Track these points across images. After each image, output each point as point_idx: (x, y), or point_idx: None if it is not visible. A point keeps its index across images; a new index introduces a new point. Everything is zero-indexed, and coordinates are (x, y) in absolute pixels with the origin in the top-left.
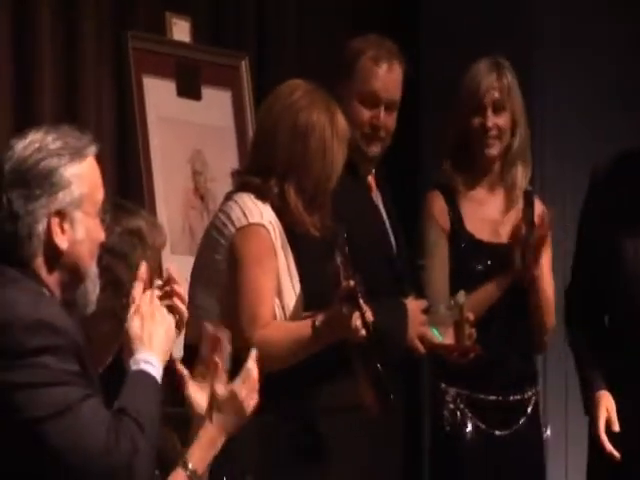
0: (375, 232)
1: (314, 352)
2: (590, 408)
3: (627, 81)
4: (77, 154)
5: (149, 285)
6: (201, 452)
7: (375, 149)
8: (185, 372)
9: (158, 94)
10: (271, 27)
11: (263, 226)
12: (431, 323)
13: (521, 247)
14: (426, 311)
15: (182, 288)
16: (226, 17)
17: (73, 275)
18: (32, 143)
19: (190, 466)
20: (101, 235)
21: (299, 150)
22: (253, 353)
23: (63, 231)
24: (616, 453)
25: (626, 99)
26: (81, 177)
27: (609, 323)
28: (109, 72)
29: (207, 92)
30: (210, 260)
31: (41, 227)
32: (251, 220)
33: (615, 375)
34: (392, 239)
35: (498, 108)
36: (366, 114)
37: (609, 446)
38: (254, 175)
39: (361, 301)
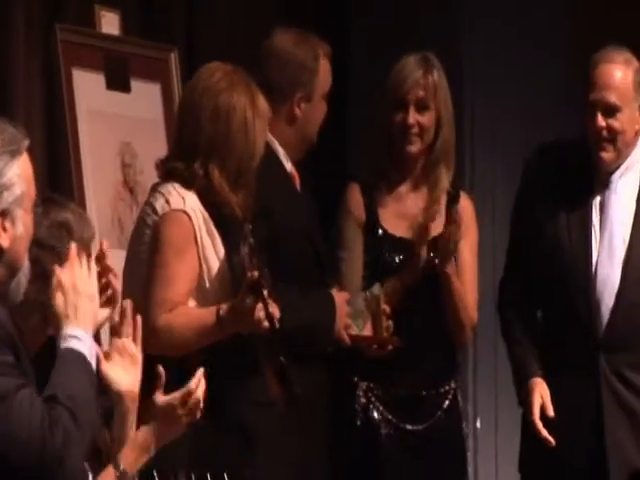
0: (301, 220)
1: (217, 340)
2: (524, 395)
3: (560, 76)
4: (16, 152)
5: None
6: (134, 456)
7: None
8: (98, 351)
9: (87, 87)
10: (201, 20)
11: (185, 212)
12: (351, 316)
13: (437, 243)
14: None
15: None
16: (155, 10)
17: (10, 270)
18: None
19: (121, 467)
20: (33, 229)
21: (221, 131)
22: (199, 372)
23: (5, 229)
24: (551, 438)
25: (558, 93)
26: (21, 175)
27: (542, 313)
28: (38, 65)
29: (136, 85)
30: (137, 253)
31: None
32: (173, 207)
33: (548, 364)
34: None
35: (422, 106)
36: (325, 109)
37: (544, 431)
38: (178, 160)
39: (265, 293)
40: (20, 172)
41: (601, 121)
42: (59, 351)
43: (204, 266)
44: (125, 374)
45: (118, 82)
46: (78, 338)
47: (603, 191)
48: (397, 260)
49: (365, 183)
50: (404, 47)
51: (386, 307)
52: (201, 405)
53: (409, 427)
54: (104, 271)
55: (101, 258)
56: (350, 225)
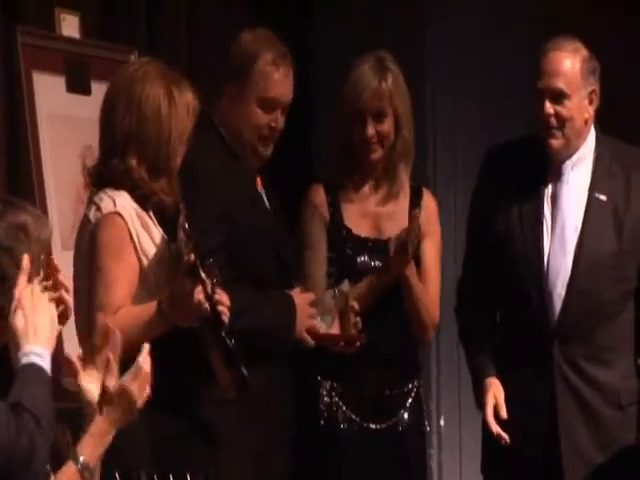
0: (263, 222)
1: (162, 330)
2: (480, 395)
3: (523, 71)
4: None
5: (33, 277)
6: (92, 445)
7: (269, 150)
8: (77, 364)
9: (48, 90)
10: (161, 21)
11: (117, 213)
12: (319, 313)
13: (399, 242)
14: (311, 302)
15: (66, 279)
16: (115, 12)
17: None
18: None
19: (81, 459)
20: None
21: (134, 122)
22: (145, 347)
23: None
24: (505, 436)
25: (520, 87)
26: None
27: (498, 306)
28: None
29: (97, 87)
30: (79, 265)
31: None
32: (105, 211)
33: (505, 357)
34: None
35: (379, 115)
36: (264, 118)
37: (496, 428)
38: (102, 161)
39: (203, 274)
40: None
41: (549, 108)
42: (19, 366)
43: (144, 260)
44: (98, 385)
45: (78, 84)
46: (38, 354)
47: (555, 182)
48: (360, 260)
49: (328, 184)
50: (369, 43)
51: (354, 304)
52: (150, 381)
53: (372, 426)
54: (56, 286)
55: (53, 274)
56: (314, 225)
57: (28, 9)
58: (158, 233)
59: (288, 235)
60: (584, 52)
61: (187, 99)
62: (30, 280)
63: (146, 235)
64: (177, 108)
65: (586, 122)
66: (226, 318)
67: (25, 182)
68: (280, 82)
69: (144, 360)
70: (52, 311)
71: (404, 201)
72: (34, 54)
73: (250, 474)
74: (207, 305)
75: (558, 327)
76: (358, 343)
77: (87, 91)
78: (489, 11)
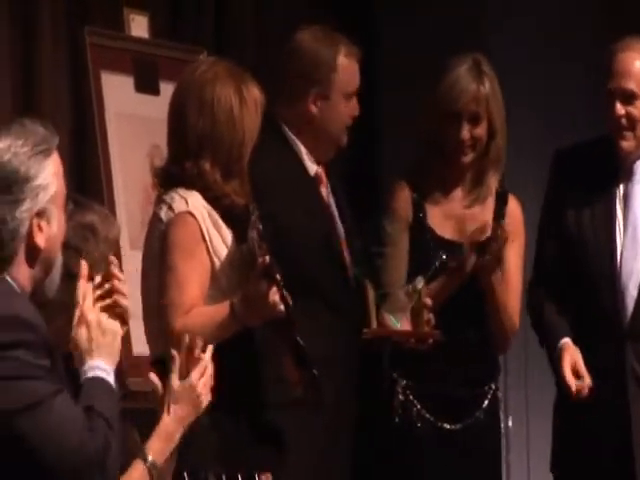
0: (321, 225)
1: (235, 331)
2: (555, 360)
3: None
4: (48, 151)
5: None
6: (159, 444)
7: (345, 140)
8: (158, 384)
9: (116, 90)
10: (229, 21)
11: (189, 213)
12: (389, 310)
13: (485, 249)
14: (384, 297)
15: (123, 283)
16: (184, 12)
17: (45, 268)
18: (7, 149)
19: (149, 458)
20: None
21: (207, 125)
22: (209, 349)
23: (41, 229)
24: (584, 389)
25: (587, 91)
26: (55, 174)
27: (569, 308)
28: (67, 68)
29: (165, 87)
30: (149, 264)
31: (24, 229)
32: (177, 210)
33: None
34: (340, 227)
35: (475, 119)
36: (349, 109)
37: (574, 384)
38: (172, 164)
39: (278, 276)
40: (53, 170)
41: (620, 109)
42: (84, 378)
43: (216, 260)
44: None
45: (147, 84)
46: (103, 370)
47: (627, 183)
48: (440, 262)
49: (413, 182)
50: (434, 48)
51: (428, 300)
52: (213, 381)
53: (447, 426)
54: (113, 291)
55: (111, 278)
56: (395, 222)
57: (96, 9)
58: (228, 234)
59: (354, 234)
60: None
61: (255, 96)
62: (90, 281)
63: (217, 235)
64: (248, 107)
65: None
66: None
67: (93, 181)
68: (357, 72)
69: (208, 360)
70: (115, 325)
71: (489, 205)
72: (102, 54)
73: (314, 474)
74: (282, 307)
75: (631, 328)
76: (430, 340)
77: (155, 91)
78: (552, 13)
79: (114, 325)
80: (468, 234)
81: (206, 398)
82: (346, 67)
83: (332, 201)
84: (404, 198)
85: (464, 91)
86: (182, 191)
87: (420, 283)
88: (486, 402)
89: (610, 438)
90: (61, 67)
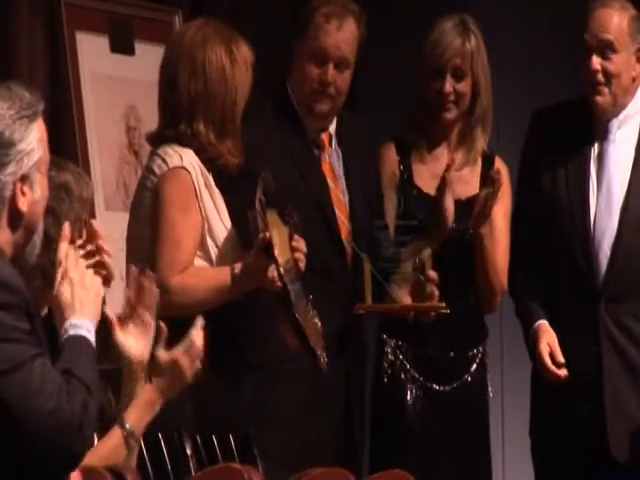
0: (313, 190)
1: (231, 298)
2: (531, 341)
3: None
4: (34, 117)
5: (75, 240)
6: (139, 413)
7: (323, 107)
8: (113, 318)
9: (91, 50)
10: None
11: (183, 168)
12: (398, 282)
13: (474, 204)
14: (392, 269)
15: (106, 242)
16: None
17: (27, 233)
18: None
19: (127, 426)
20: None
21: (200, 86)
22: (199, 322)
23: (24, 194)
24: (562, 373)
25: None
26: (39, 140)
27: (544, 266)
28: (42, 28)
29: (140, 47)
30: (140, 216)
31: (8, 193)
32: (171, 165)
33: (549, 316)
34: (341, 197)
35: (459, 74)
36: (314, 71)
37: (553, 367)
38: (166, 127)
39: (276, 252)
40: (38, 136)
41: (596, 63)
42: (65, 336)
43: (205, 221)
44: (136, 342)
45: (122, 45)
46: (85, 328)
47: (601, 142)
48: (427, 219)
49: (401, 142)
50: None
51: (432, 273)
52: (201, 355)
53: (435, 387)
54: (97, 251)
55: (93, 238)
56: (384, 187)
57: None
58: (218, 195)
59: (360, 201)
60: (632, 11)
61: (245, 54)
62: (72, 243)
63: (208, 195)
64: (239, 66)
65: (633, 80)
66: (302, 265)
67: (68, 142)
68: (331, 34)
69: (197, 334)
70: (98, 283)
71: (477, 166)
72: (77, 14)
73: (291, 435)
74: (279, 283)
75: (604, 286)
76: (433, 313)
77: (131, 51)
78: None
79: (97, 283)
80: (455, 194)
81: (191, 373)
82: (317, 24)
83: (338, 168)
84: (391, 159)
85: (449, 45)
86: (176, 147)
87: (428, 252)
88: (474, 365)
89: (585, 397)
90: (36, 28)
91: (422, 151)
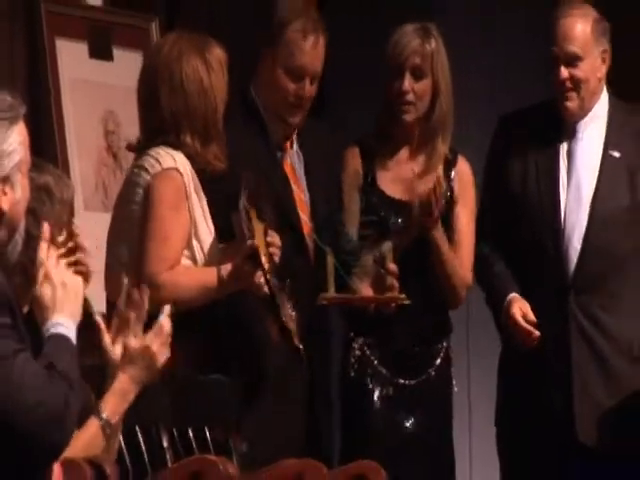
0: (275, 188)
1: (217, 298)
2: (501, 312)
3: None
4: (14, 119)
5: (55, 241)
6: (114, 402)
7: (296, 118)
8: (102, 324)
9: (71, 56)
10: None
11: (176, 169)
12: (358, 274)
13: (429, 205)
14: (353, 262)
15: (85, 242)
16: None
17: (9, 231)
18: None
19: (104, 415)
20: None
21: (180, 101)
22: (166, 309)
23: (5, 193)
24: (536, 332)
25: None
26: (20, 142)
27: (515, 259)
28: (22, 34)
29: (118, 53)
30: (127, 212)
31: None
32: (164, 165)
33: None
34: (301, 195)
35: (418, 74)
36: (291, 86)
37: (526, 325)
38: (150, 139)
39: (263, 259)
40: (19, 139)
41: (564, 72)
42: (47, 335)
43: (192, 223)
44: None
45: (101, 51)
46: (65, 326)
47: (570, 141)
48: (394, 221)
49: (365, 146)
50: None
51: (392, 266)
52: (169, 341)
53: (401, 381)
54: (77, 249)
55: (73, 236)
56: (347, 186)
57: None
58: (204, 199)
59: (321, 202)
60: (594, 15)
61: (219, 57)
62: (52, 243)
63: (196, 198)
64: (215, 72)
65: (600, 80)
66: (277, 258)
67: (48, 145)
68: (307, 51)
69: (165, 320)
70: (78, 283)
71: (438, 170)
72: (57, 21)
73: (264, 429)
74: (266, 289)
75: (574, 279)
76: (394, 304)
77: (109, 57)
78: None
79: (77, 283)
80: (416, 194)
81: (162, 358)
82: (292, 39)
83: (299, 169)
84: (355, 162)
85: (407, 44)
86: (168, 149)
87: (388, 246)
88: (439, 360)
89: (553, 386)
90: (17, 33)
91: (385, 155)
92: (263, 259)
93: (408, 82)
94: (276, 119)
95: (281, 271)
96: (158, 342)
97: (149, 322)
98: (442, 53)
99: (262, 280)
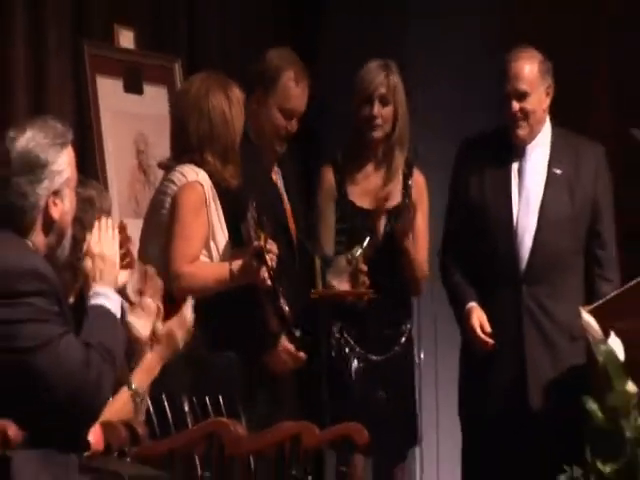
0: (271, 202)
1: (227, 289)
2: (462, 320)
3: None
4: (64, 144)
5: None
6: (142, 375)
7: (284, 147)
8: (125, 304)
9: (108, 90)
10: (200, 36)
11: (198, 182)
12: (333, 273)
13: (397, 219)
14: (329, 263)
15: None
16: (163, 28)
17: (58, 237)
18: (31, 139)
19: (134, 387)
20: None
21: (206, 128)
22: (189, 301)
23: (56, 205)
24: (490, 340)
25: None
26: (68, 163)
27: (476, 259)
28: (70, 72)
29: (148, 88)
30: (157, 217)
31: (42, 203)
32: (189, 179)
33: (481, 298)
34: (288, 206)
35: (384, 101)
36: (283, 122)
37: (483, 335)
38: (175, 158)
39: (267, 257)
40: (68, 160)
41: (515, 106)
42: (89, 306)
43: (210, 228)
44: (143, 324)
45: (133, 86)
46: (104, 295)
47: (520, 161)
48: (364, 228)
49: (337, 164)
50: (365, 57)
51: (363, 266)
52: (192, 326)
53: (374, 357)
54: (124, 241)
55: (122, 230)
56: (324, 200)
57: (93, 26)
58: (220, 210)
59: (300, 209)
60: (539, 57)
61: (238, 96)
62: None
63: (214, 208)
64: (235, 107)
65: (544, 111)
66: (274, 264)
67: (91, 164)
68: (299, 96)
69: (187, 311)
70: (114, 256)
71: (399, 179)
72: (98, 62)
73: (267, 397)
74: (269, 282)
75: (526, 273)
76: (366, 297)
77: (140, 91)
78: (460, 26)
79: (114, 256)
80: (383, 204)
81: (182, 342)
82: (286, 85)
83: (282, 186)
84: (329, 179)
85: (375, 77)
86: (192, 166)
87: (358, 252)
88: (403, 339)
89: (509, 364)
90: (65, 72)
91: (354, 171)
92: (267, 258)
93: (377, 108)
94: (267, 147)
95: (277, 271)
96: (180, 328)
97: (171, 307)
98: (401, 86)
99: (266, 275)
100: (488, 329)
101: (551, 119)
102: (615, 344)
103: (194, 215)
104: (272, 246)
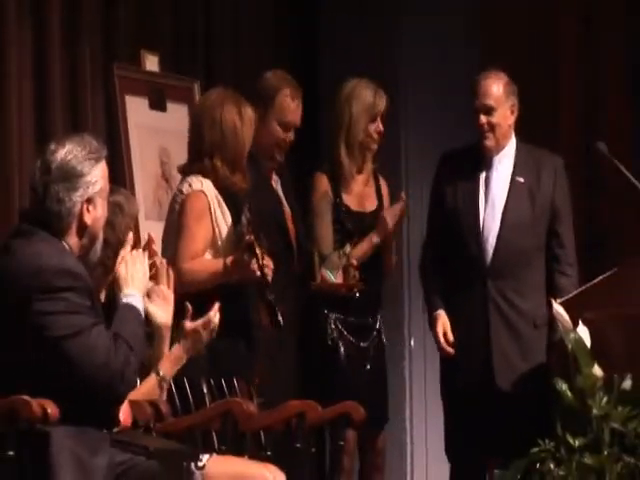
0: (271, 206)
1: (224, 282)
2: (432, 324)
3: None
4: (99, 158)
5: (134, 245)
6: (169, 364)
7: (282, 157)
8: (145, 297)
9: (136, 107)
10: (216, 61)
11: (202, 192)
12: (327, 268)
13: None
14: (323, 259)
15: (158, 248)
16: (183, 54)
17: (91, 240)
18: (70, 152)
19: (161, 373)
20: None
21: (218, 137)
22: (216, 305)
23: (89, 211)
24: (450, 350)
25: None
26: (102, 176)
27: (448, 256)
28: (101, 93)
29: (170, 106)
30: (170, 221)
31: (77, 209)
32: (195, 188)
33: (452, 291)
34: (287, 209)
35: (382, 119)
36: (282, 134)
37: (446, 346)
38: (193, 161)
39: (258, 251)
40: (101, 173)
41: (483, 119)
42: (120, 304)
43: (217, 230)
44: (162, 311)
45: (158, 104)
46: (134, 296)
47: (487, 171)
48: (352, 228)
49: (330, 173)
50: (357, 63)
51: (353, 261)
52: (216, 328)
53: (362, 344)
54: (151, 254)
55: (149, 245)
56: (323, 202)
57: (122, 51)
58: (227, 214)
59: (299, 212)
60: (506, 79)
61: (250, 114)
62: (133, 247)
63: (220, 214)
64: (245, 123)
65: (509, 127)
66: (270, 278)
67: (120, 172)
68: (294, 110)
69: (214, 314)
70: (145, 266)
71: (371, 184)
72: (126, 82)
73: (276, 379)
74: (259, 272)
75: (491, 268)
76: (355, 290)
77: (164, 109)
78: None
79: (144, 266)
80: (366, 207)
81: (207, 339)
82: (283, 102)
83: (280, 191)
84: (325, 185)
85: (377, 99)
86: (199, 177)
87: (348, 248)
88: (378, 324)
89: (477, 352)
90: (98, 92)
91: (346, 178)
92: (257, 251)
93: (381, 125)
94: (266, 157)
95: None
96: (205, 328)
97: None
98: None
99: (256, 267)
100: (450, 337)
101: (516, 136)
102: (583, 332)
103: (197, 220)
104: (268, 262)
